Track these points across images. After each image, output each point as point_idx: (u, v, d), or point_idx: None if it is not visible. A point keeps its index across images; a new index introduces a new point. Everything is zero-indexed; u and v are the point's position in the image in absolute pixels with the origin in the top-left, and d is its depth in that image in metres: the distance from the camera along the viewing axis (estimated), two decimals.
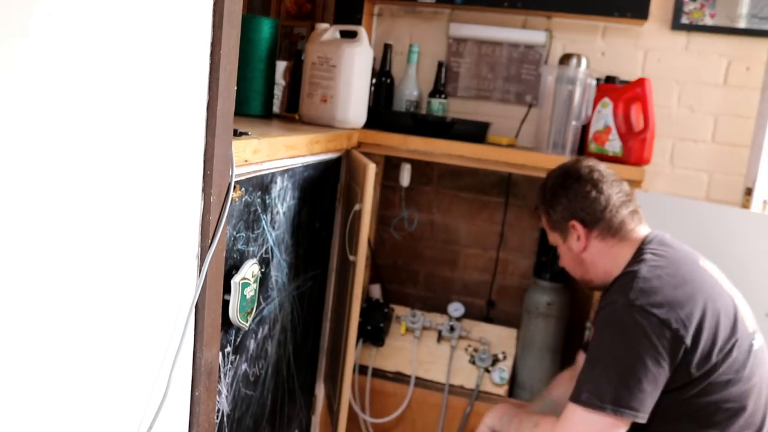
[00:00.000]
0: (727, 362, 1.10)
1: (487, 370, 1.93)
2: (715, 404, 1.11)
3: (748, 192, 1.84)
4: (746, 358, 1.12)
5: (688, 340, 1.08)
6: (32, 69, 0.58)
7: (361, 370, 1.97)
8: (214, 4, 0.83)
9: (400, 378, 1.95)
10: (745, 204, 1.84)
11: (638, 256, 1.22)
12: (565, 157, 1.72)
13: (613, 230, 1.26)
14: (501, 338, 2.02)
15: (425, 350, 2.01)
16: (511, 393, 1.95)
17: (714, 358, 1.09)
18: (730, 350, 1.11)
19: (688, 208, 1.63)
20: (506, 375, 1.91)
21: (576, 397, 1.11)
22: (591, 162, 1.33)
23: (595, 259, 1.29)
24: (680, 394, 1.11)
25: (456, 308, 2.08)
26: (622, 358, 1.09)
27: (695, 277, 1.16)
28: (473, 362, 1.96)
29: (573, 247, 1.30)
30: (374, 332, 1.99)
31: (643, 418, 1.09)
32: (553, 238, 1.36)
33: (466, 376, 1.94)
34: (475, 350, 1.97)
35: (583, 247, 1.28)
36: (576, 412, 1.11)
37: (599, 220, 1.26)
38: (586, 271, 1.32)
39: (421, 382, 1.93)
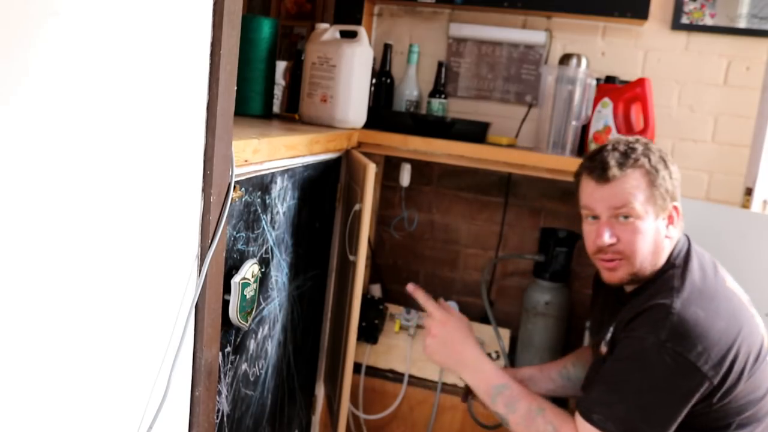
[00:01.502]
0: (749, 386, 1.08)
1: None
2: (729, 421, 1.09)
3: (748, 192, 1.84)
4: (764, 375, 1.10)
5: (717, 380, 1.04)
6: (33, 69, 0.58)
7: (355, 367, 1.97)
8: (214, 4, 0.83)
9: (394, 376, 1.95)
10: (745, 204, 1.84)
11: (673, 269, 1.13)
12: (566, 158, 1.72)
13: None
14: (495, 338, 2.03)
15: (419, 348, 2.01)
16: None
17: (737, 389, 1.06)
18: (753, 375, 1.08)
19: (688, 208, 1.63)
20: None
21: (587, 414, 1.07)
22: None
23: (662, 241, 1.15)
24: (695, 419, 1.09)
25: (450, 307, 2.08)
26: (645, 393, 1.04)
27: (728, 306, 1.08)
28: None
29: (661, 228, 1.14)
30: (368, 329, 1.99)
31: None
32: (644, 210, 1.13)
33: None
34: None
35: (670, 233, 1.16)
36: (587, 428, 1.07)
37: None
38: (653, 258, 1.15)
39: (414, 380, 1.94)
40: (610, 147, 1.18)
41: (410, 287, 1.25)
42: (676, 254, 1.16)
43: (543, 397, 1.16)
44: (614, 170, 1.14)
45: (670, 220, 1.15)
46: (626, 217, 1.13)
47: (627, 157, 1.14)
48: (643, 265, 1.15)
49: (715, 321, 1.04)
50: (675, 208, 1.16)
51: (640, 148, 1.16)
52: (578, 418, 1.08)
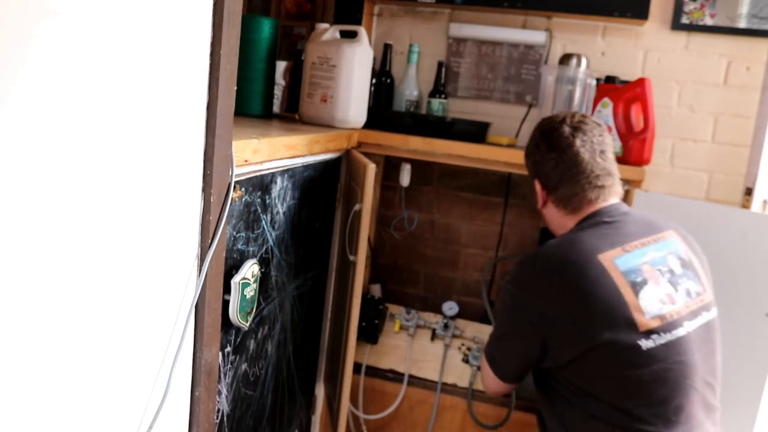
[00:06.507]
0: (599, 358, 1.11)
1: (479, 369, 1.94)
2: (596, 390, 1.14)
3: (748, 192, 1.84)
4: (629, 356, 1.09)
5: (545, 329, 1.15)
6: (33, 68, 0.58)
7: (355, 367, 1.97)
8: (214, 4, 0.83)
9: (394, 376, 1.95)
10: (745, 204, 1.84)
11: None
12: None
13: (570, 204, 1.28)
14: None
15: (419, 348, 2.01)
16: None
17: (576, 351, 1.12)
18: (599, 347, 1.10)
19: (688, 208, 1.63)
20: None
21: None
22: (577, 121, 1.29)
23: (548, 218, 1.36)
24: (561, 373, 1.17)
25: (450, 307, 2.08)
26: (497, 328, 1.28)
27: (577, 276, 1.13)
28: (466, 361, 1.97)
29: (537, 196, 1.35)
30: (368, 329, 1.99)
31: (510, 381, 1.26)
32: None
33: (458, 375, 1.94)
34: (469, 349, 1.98)
35: (542, 203, 1.34)
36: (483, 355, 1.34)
37: (557, 190, 1.28)
38: (545, 221, 1.40)
39: (414, 380, 1.94)
40: None
41: None
42: (578, 222, 1.28)
43: None
44: None
45: (539, 194, 1.34)
46: None
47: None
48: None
49: (551, 279, 1.16)
50: (535, 182, 1.34)
51: (535, 131, 1.35)
52: None
